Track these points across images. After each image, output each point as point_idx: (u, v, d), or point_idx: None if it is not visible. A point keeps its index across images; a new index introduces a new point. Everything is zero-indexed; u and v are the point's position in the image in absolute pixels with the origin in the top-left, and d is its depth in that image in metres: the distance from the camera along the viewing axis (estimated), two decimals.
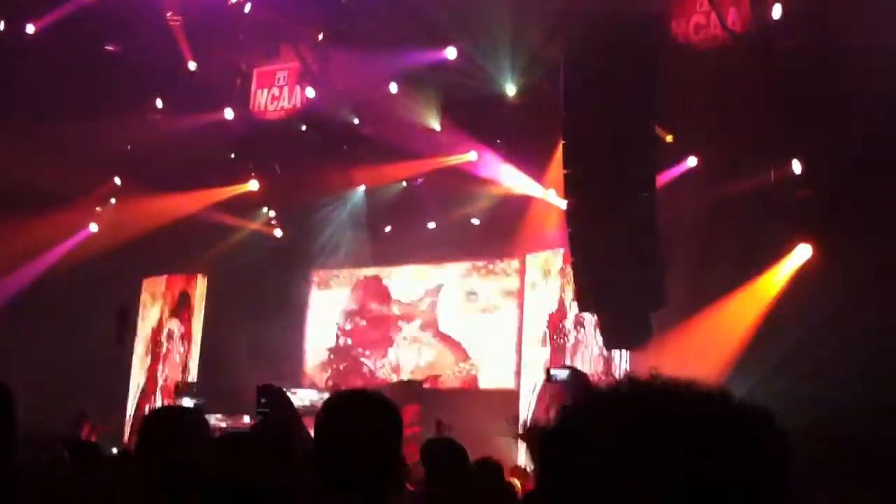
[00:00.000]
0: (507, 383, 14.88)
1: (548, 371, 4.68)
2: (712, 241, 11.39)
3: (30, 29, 14.05)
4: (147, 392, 17.47)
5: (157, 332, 17.79)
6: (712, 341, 11.46)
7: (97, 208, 16.95)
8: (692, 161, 12.23)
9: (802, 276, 11.33)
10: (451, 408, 11.89)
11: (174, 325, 17.72)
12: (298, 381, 16.43)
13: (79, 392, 14.28)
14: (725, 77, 11.17)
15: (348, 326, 16.85)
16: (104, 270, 16.01)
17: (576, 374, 4.51)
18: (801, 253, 11.50)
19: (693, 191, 11.75)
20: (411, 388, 13.48)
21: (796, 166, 11.24)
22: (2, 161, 14.17)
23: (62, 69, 13.76)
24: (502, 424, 12.19)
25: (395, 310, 16.41)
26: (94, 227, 16.98)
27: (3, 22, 14.17)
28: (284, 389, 4.07)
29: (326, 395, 14.22)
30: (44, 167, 14.33)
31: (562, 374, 4.54)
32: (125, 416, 17.06)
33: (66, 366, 15.12)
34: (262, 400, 3.94)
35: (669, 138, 11.95)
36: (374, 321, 16.66)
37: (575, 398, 4.09)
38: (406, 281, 16.41)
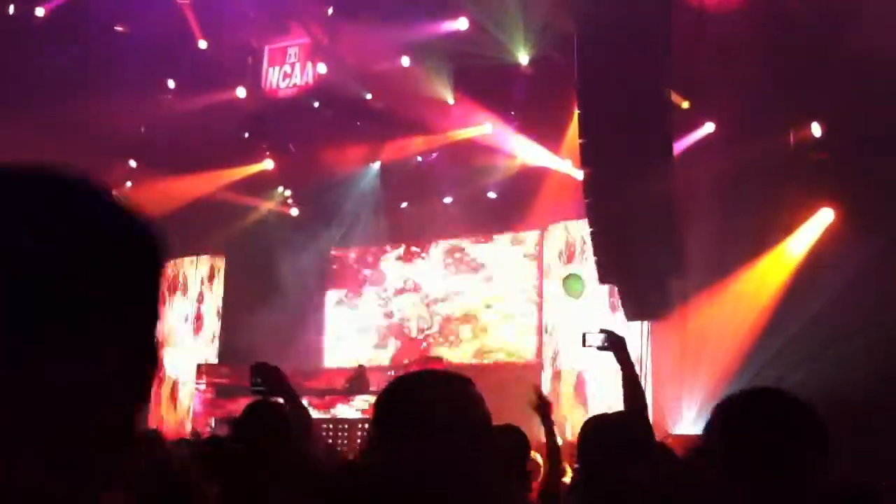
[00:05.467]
0: (528, 355, 14.87)
1: (583, 336, 4.49)
2: (732, 207, 11.24)
3: (39, 12, 13.98)
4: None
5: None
6: (735, 309, 11.33)
7: (113, 192, 16.82)
8: (709, 126, 12.09)
9: (825, 241, 11.17)
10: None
11: (190, 308, 17.74)
12: (318, 358, 16.43)
13: None
14: (740, 40, 10.97)
15: (373, 301, 16.82)
16: None
17: (612, 338, 4.31)
18: (824, 217, 11.35)
19: (711, 156, 11.58)
20: (437, 365, 13.38)
21: (816, 129, 11.06)
22: (15, 146, 14.14)
23: (73, 52, 13.67)
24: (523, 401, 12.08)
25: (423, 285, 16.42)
26: None
27: (12, 5, 14.08)
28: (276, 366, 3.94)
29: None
30: (58, 151, 14.26)
31: (597, 339, 4.36)
32: None
33: None
34: (258, 379, 3.82)
35: (685, 104, 11.80)
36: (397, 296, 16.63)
37: (620, 363, 3.93)
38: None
